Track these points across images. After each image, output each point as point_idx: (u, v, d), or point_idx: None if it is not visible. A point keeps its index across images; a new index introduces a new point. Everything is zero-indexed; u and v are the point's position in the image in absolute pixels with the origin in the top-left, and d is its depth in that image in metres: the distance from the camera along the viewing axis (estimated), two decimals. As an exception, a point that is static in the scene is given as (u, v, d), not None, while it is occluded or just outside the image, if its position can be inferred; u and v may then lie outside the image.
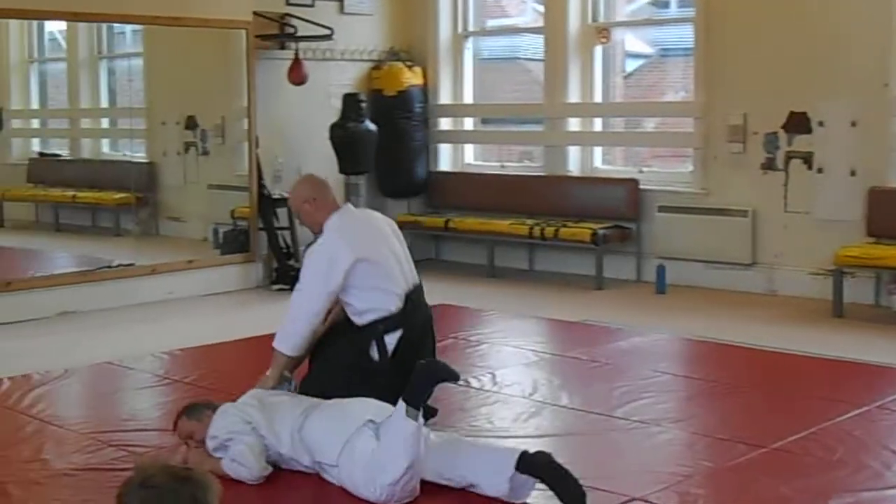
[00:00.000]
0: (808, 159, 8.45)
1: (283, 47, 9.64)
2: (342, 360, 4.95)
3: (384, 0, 10.51)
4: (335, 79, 10.13)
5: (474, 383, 5.97)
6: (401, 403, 4.06)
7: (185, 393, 5.92)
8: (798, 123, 8.47)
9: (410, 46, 10.67)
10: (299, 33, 9.56)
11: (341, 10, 10.13)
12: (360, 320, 4.96)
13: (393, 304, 4.94)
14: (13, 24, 9.59)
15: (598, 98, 9.93)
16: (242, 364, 6.96)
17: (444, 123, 10.80)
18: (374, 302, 4.91)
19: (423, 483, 4.16)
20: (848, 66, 8.17)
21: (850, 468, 4.55)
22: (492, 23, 11.08)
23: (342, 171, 9.83)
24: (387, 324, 4.91)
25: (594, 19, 9.82)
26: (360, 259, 4.85)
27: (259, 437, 4.42)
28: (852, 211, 8.18)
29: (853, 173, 8.21)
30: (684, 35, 9.39)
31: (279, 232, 9.41)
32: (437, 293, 8.69)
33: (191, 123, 9.77)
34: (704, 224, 8.94)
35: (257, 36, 9.31)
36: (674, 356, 6.98)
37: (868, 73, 8.09)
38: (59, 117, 10.79)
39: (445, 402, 5.64)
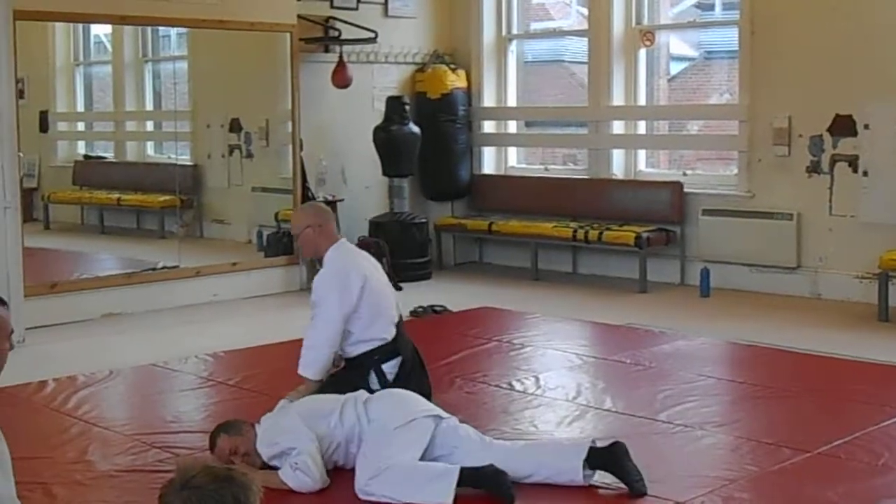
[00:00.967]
0: (853, 162, 8.36)
1: (327, 50, 9.69)
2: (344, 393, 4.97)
3: (428, 3, 10.53)
4: (379, 82, 10.16)
5: (518, 386, 5.96)
6: (456, 470, 4.15)
7: (228, 395, 5.96)
8: (843, 126, 8.39)
9: (454, 49, 10.68)
10: (343, 36, 9.60)
11: (385, 13, 10.16)
12: (354, 351, 5.12)
13: (388, 333, 5.15)
14: (59, 27, 9.72)
15: (642, 101, 9.89)
16: (286, 366, 6.96)
17: (488, 126, 10.80)
18: (373, 330, 5.10)
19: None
20: (894, 69, 8.07)
21: (895, 473, 4.50)
22: (536, 26, 11.07)
23: (385, 173, 9.86)
24: (382, 352, 5.11)
25: (638, 22, 9.78)
26: (367, 282, 5.08)
27: (318, 445, 4.42)
28: (899, 214, 8.10)
29: (900, 176, 8.13)
30: (729, 37, 9.33)
31: (323, 234, 9.42)
32: (480, 296, 8.75)
33: (235, 126, 9.83)
34: (749, 227, 8.87)
35: (301, 39, 9.36)
36: (718, 360, 6.93)
37: (915, 75, 8.00)
38: (104, 120, 10.91)
39: (489, 405, 5.65)
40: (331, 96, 9.66)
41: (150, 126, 10.78)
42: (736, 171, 9.21)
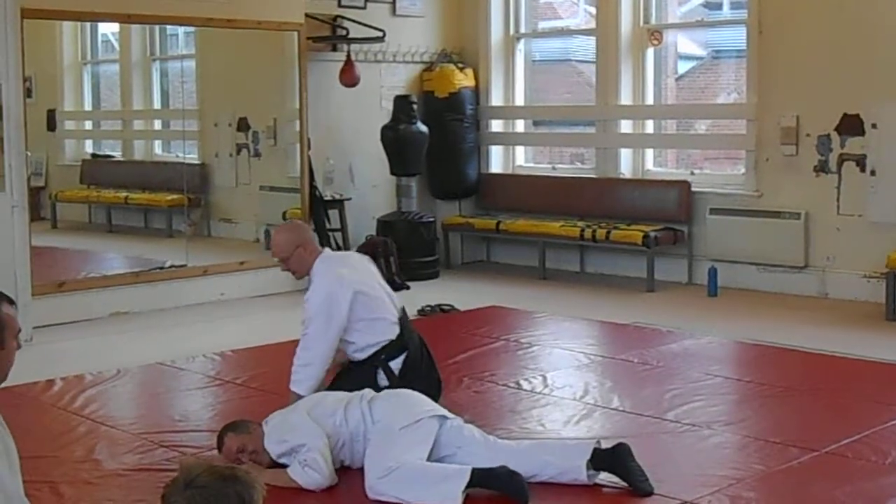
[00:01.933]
0: (861, 161, 8.34)
1: (334, 49, 9.69)
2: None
3: (436, 2, 10.53)
4: (386, 81, 10.16)
5: (525, 385, 5.96)
6: (468, 471, 4.14)
7: (236, 394, 5.96)
8: (851, 125, 8.37)
9: (462, 48, 10.68)
10: (351, 35, 9.60)
11: (393, 12, 10.17)
12: (361, 356, 5.13)
13: (392, 333, 5.15)
14: (67, 25, 9.74)
15: (649, 100, 9.88)
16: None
17: (496, 125, 10.80)
18: (375, 334, 5.10)
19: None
20: (903, 68, 8.07)
21: (904, 473, 4.50)
22: (543, 24, 11.06)
23: (393, 172, 9.87)
24: (388, 351, 5.12)
25: (646, 21, 9.77)
26: (357, 292, 5.06)
27: (326, 441, 4.42)
28: (907, 214, 8.09)
29: (908, 175, 8.11)
30: (737, 37, 9.31)
31: (331, 233, 9.45)
32: (488, 295, 8.75)
33: (243, 125, 9.84)
34: (756, 226, 8.86)
35: (309, 38, 9.36)
36: (725, 359, 6.92)
37: (924, 74, 7.99)
38: (111, 119, 10.94)
39: (497, 404, 5.65)
40: (338, 95, 9.67)
41: (157, 125, 10.80)
42: (743, 170, 9.20)
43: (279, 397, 5.89)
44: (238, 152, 9.89)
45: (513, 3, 10.65)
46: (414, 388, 4.76)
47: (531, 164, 10.88)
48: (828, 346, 6.86)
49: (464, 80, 10.39)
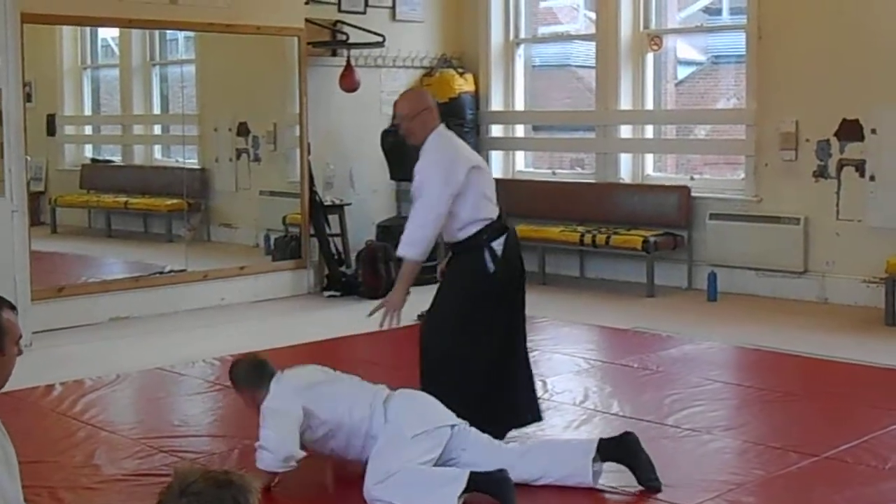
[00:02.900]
0: (860, 167, 8.35)
1: (334, 54, 9.70)
2: (463, 284, 5.06)
3: (436, 7, 10.54)
4: (387, 85, 10.17)
5: (524, 390, 5.95)
6: (465, 475, 4.13)
7: (235, 399, 5.93)
8: (850, 131, 8.38)
9: (462, 53, 10.69)
10: (351, 40, 9.61)
11: (393, 17, 10.18)
12: (464, 234, 5.04)
13: (494, 213, 5.07)
14: (67, 30, 9.75)
15: (649, 105, 9.88)
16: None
17: (496, 130, 10.80)
18: (480, 210, 5.01)
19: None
20: (902, 73, 8.08)
21: (903, 478, 4.50)
22: (543, 30, 11.07)
23: (393, 177, 9.87)
24: (489, 232, 5.01)
25: (646, 26, 9.78)
26: (473, 167, 5.04)
27: (296, 418, 4.36)
28: (906, 219, 8.09)
29: (907, 180, 8.12)
30: (736, 42, 9.32)
31: (331, 238, 9.45)
32: (486, 300, 8.73)
33: (243, 130, 9.85)
34: (756, 232, 8.86)
35: (309, 43, 9.37)
36: (725, 364, 6.93)
37: (923, 79, 8.00)
38: (111, 123, 10.96)
39: (495, 408, 5.63)
40: (339, 100, 9.68)
41: (157, 130, 10.81)
42: (743, 175, 9.20)
43: (279, 402, 5.89)
44: (238, 157, 9.89)
45: (513, 8, 10.67)
46: (513, 273, 4.95)
47: (531, 169, 10.88)
48: (827, 351, 6.86)
49: (464, 84, 10.39)
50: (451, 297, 5.07)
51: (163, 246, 9.91)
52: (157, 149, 10.62)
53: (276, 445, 4.30)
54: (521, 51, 10.78)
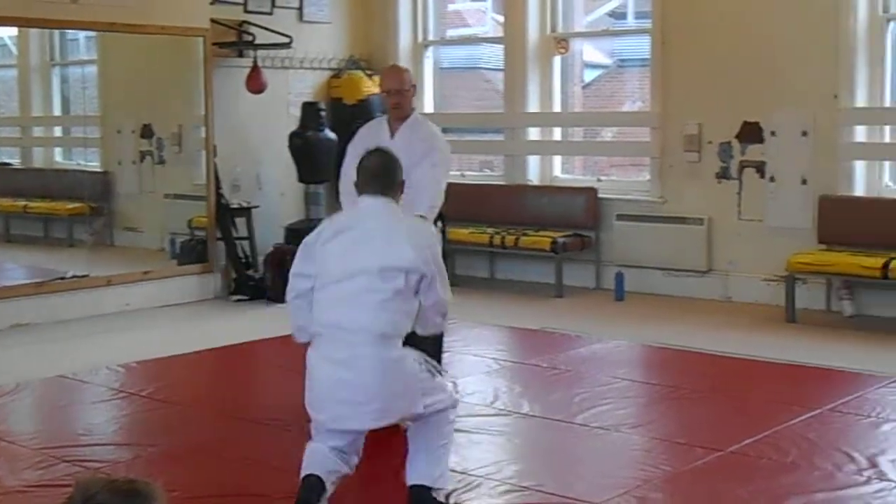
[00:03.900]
0: (760, 168, 8.53)
1: (241, 55, 9.60)
2: None
3: (343, 8, 10.49)
4: (294, 87, 10.10)
5: (433, 392, 5.95)
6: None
7: (141, 406, 5.86)
8: (751, 133, 8.55)
9: (370, 55, 10.66)
10: (257, 41, 9.52)
11: (300, 18, 10.11)
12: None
13: None
14: (-38, 30, 9.50)
15: (557, 108, 9.97)
16: (200, 377, 6.93)
17: (403, 133, 10.77)
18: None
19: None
20: (799, 78, 8.26)
21: (803, 470, 4.61)
22: (452, 32, 11.10)
23: (301, 179, 9.80)
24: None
25: (553, 30, 9.86)
26: None
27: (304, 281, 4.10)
28: (804, 219, 8.27)
29: (804, 182, 8.30)
30: (641, 46, 9.45)
31: (238, 242, 9.35)
32: (395, 302, 8.72)
33: (147, 132, 9.69)
34: (661, 232, 8.99)
35: (215, 44, 9.26)
36: (632, 363, 7.02)
37: (818, 84, 8.18)
38: (9, 125, 10.68)
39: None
40: (245, 102, 9.58)
41: (58, 132, 10.59)
42: (648, 177, 9.33)
43: (185, 409, 5.83)
44: (142, 159, 9.74)
45: (421, 10, 10.67)
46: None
47: (439, 172, 10.87)
48: (731, 348, 6.99)
49: (372, 86, 10.34)
50: None
51: (65, 251, 9.70)
52: (58, 151, 10.39)
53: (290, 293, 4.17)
54: (429, 53, 10.80)
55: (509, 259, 9.84)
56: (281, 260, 9.09)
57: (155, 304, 8.80)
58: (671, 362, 6.81)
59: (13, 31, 9.74)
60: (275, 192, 10.00)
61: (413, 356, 4.02)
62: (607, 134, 10.18)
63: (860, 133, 8.18)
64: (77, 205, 9.53)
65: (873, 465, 4.64)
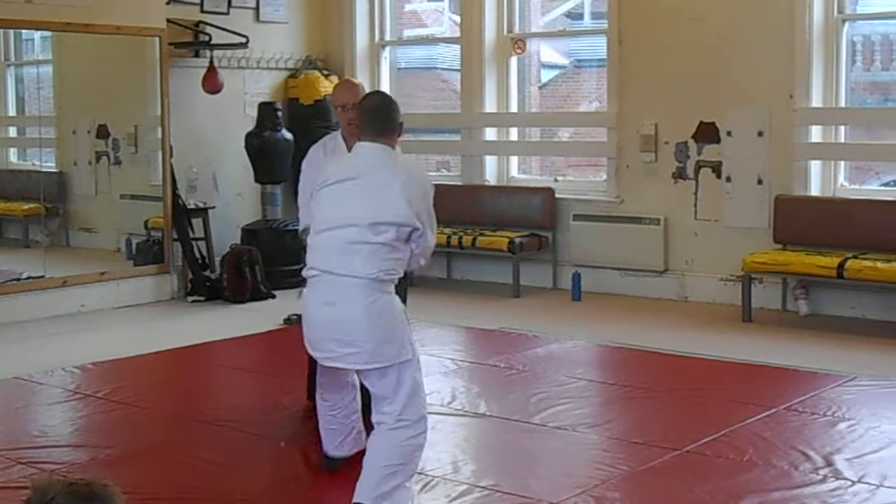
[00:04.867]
0: (717, 168, 8.60)
1: (197, 55, 9.55)
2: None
3: (300, 8, 10.46)
4: (251, 87, 10.06)
5: (392, 392, 5.95)
6: None
7: (97, 408, 5.82)
8: (707, 133, 8.62)
9: (327, 55, 10.64)
10: (214, 41, 9.47)
11: (257, 18, 10.07)
12: None
13: None
14: (-86, 28, 9.37)
15: (513, 108, 10.00)
16: (156, 378, 6.89)
17: (361, 133, 10.75)
18: None
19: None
20: (755, 79, 8.34)
21: (759, 469, 4.66)
22: (409, 32, 11.10)
23: (258, 180, 9.76)
24: None
25: (510, 30, 9.89)
26: None
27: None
28: (760, 218, 8.35)
29: (760, 182, 8.38)
30: (598, 46, 9.49)
31: (194, 242, 9.30)
32: (354, 303, 8.71)
33: (102, 132, 9.61)
34: (618, 232, 9.04)
35: (171, 44, 9.21)
36: (589, 362, 7.05)
37: (774, 84, 8.26)
38: (-38, 126, 10.55)
39: (363, 411, 5.63)
40: (201, 102, 9.53)
41: (12, 132, 10.46)
42: (605, 177, 9.38)
43: (141, 410, 5.80)
44: (98, 160, 9.65)
45: (378, 10, 10.66)
46: None
47: (397, 172, 10.86)
48: (687, 347, 7.04)
49: (329, 87, 10.32)
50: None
51: (19, 252, 9.59)
52: (13, 152, 10.27)
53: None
54: (386, 53, 10.79)
55: (466, 259, 9.86)
56: (238, 261, 9.07)
57: (111, 305, 8.74)
58: (628, 362, 6.85)
59: (-33, 30, 9.63)
60: (231, 193, 9.96)
61: (401, 306, 4.12)
62: (564, 134, 10.22)
63: (815, 133, 8.26)
64: (32, 205, 9.43)
65: (829, 463, 4.69)
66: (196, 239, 9.34)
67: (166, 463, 4.89)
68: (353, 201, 4.02)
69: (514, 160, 10.10)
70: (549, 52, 10.41)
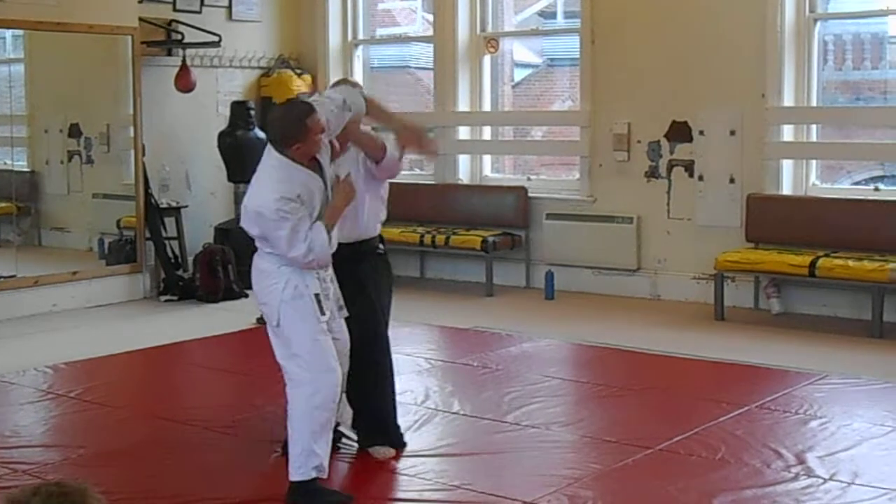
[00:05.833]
0: (689, 167, 8.64)
1: (170, 54, 9.51)
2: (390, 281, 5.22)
3: (273, 7, 10.44)
4: (223, 86, 10.03)
5: (366, 391, 5.95)
6: None
7: (69, 408, 5.79)
8: (680, 132, 8.66)
9: (300, 54, 10.62)
10: (186, 40, 9.44)
11: (229, 16, 10.04)
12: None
13: None
14: None
15: (487, 107, 10.01)
16: (129, 377, 6.87)
17: (334, 132, 10.74)
18: None
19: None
20: (727, 78, 8.38)
21: (732, 467, 4.68)
22: (382, 31, 11.10)
23: (230, 179, 9.73)
24: None
25: (483, 29, 9.90)
26: None
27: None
28: (732, 217, 8.40)
29: (732, 181, 8.43)
30: (571, 45, 9.52)
31: (167, 242, 9.27)
32: (327, 302, 8.70)
33: (74, 131, 9.56)
34: (591, 231, 9.07)
35: (143, 42, 9.17)
36: (563, 361, 7.08)
37: (746, 84, 8.31)
38: (-67, 125, 10.45)
39: (337, 410, 5.62)
40: (174, 101, 9.49)
41: (-16, 131, 10.38)
42: (578, 175, 9.40)
43: (114, 410, 5.78)
44: (70, 159, 9.60)
45: (350, 9, 10.64)
46: None
47: (371, 171, 10.86)
48: (660, 346, 7.08)
49: (302, 86, 10.33)
50: (387, 291, 5.07)
51: (-10, 251, 9.53)
52: (-16, 151, 10.20)
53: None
54: (359, 52, 10.78)
55: (440, 258, 9.87)
56: (211, 260, 9.04)
57: (83, 304, 8.70)
58: (601, 360, 6.88)
59: (-64, 28, 9.55)
60: (204, 192, 9.93)
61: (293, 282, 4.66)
62: (537, 133, 10.24)
63: (787, 132, 8.32)
64: (4, 205, 9.36)
65: (801, 461, 4.73)
66: (169, 238, 9.31)
67: (138, 463, 4.88)
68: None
69: (487, 159, 10.11)
70: (522, 51, 10.44)
